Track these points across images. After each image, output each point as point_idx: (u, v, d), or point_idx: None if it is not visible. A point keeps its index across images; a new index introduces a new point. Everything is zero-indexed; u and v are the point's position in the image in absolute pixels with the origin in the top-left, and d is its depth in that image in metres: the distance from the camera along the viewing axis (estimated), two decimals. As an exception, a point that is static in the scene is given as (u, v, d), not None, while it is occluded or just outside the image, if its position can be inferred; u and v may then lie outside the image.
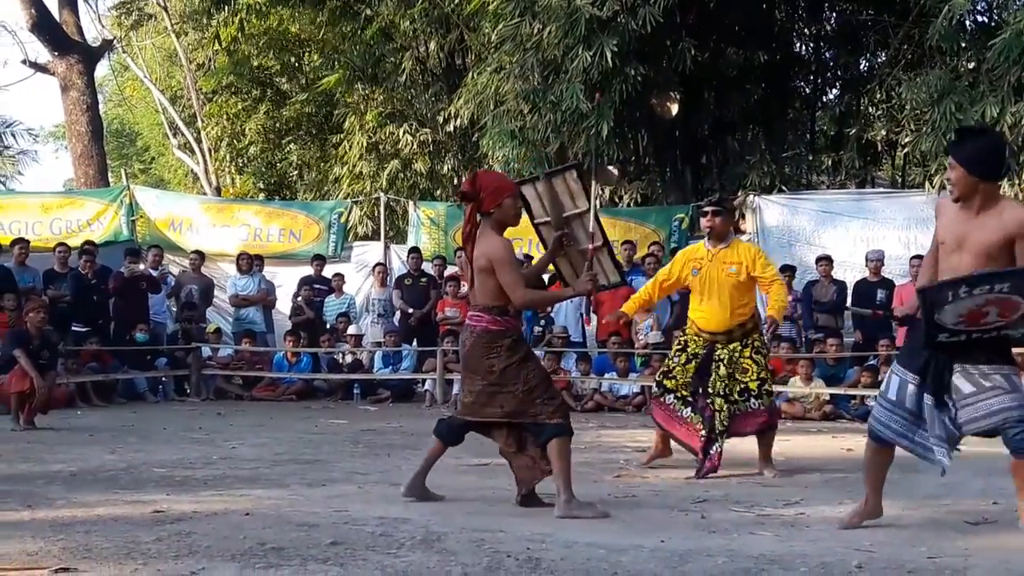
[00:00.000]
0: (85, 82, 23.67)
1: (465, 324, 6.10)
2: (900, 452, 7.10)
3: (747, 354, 7.45)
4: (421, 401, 14.57)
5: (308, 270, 16.34)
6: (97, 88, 27.61)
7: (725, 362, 7.41)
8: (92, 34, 27.82)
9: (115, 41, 27.78)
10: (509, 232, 5.99)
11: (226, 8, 21.71)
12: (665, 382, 7.66)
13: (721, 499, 6.24)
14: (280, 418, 12.18)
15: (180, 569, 4.30)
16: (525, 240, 16.49)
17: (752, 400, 7.42)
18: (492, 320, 5.85)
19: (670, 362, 7.72)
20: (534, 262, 7.54)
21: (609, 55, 14.28)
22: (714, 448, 7.40)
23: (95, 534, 4.99)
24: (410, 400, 14.80)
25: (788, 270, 14.48)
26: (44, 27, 23.17)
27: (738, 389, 7.41)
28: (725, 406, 7.37)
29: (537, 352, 14.01)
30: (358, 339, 15.48)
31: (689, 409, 7.54)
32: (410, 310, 15.37)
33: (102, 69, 32.09)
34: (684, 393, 7.55)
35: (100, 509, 5.75)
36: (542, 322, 14.73)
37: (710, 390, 7.43)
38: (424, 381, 14.71)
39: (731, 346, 7.45)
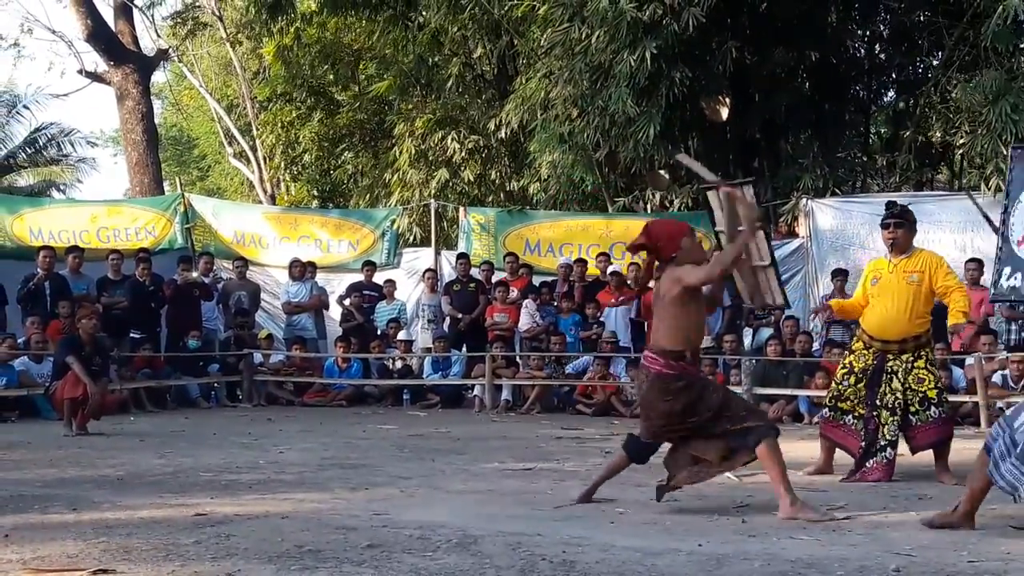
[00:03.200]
0: (140, 91, 24.01)
1: (642, 363, 6.04)
2: (954, 457, 6.98)
3: (921, 365, 7.34)
4: (470, 407, 14.58)
5: (360, 276, 16.42)
6: (155, 95, 27.97)
7: (899, 375, 7.32)
8: (148, 44, 28.26)
9: (170, 51, 28.14)
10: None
11: (282, 17, 21.90)
12: (840, 405, 7.59)
13: (764, 504, 6.16)
14: (329, 423, 12.24)
15: (217, 571, 4.33)
16: (575, 245, 16.54)
17: (933, 409, 7.31)
18: (667, 364, 5.81)
19: (839, 387, 7.62)
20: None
21: (649, 57, 14.23)
22: (871, 462, 7.33)
23: (136, 536, 5.05)
24: (459, 406, 14.79)
25: (841, 274, 14.35)
26: (100, 37, 23.56)
27: (917, 399, 7.30)
28: (892, 419, 7.28)
29: (586, 357, 14.11)
30: (408, 345, 15.54)
31: (861, 423, 7.47)
32: (459, 315, 15.39)
33: (158, 78, 32.57)
34: (861, 411, 7.47)
35: (143, 512, 5.80)
36: (593, 326, 14.67)
37: (878, 402, 7.35)
38: (473, 387, 14.71)
39: (903, 357, 7.34)
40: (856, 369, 7.48)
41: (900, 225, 7.47)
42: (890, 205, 7.78)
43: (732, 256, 6.06)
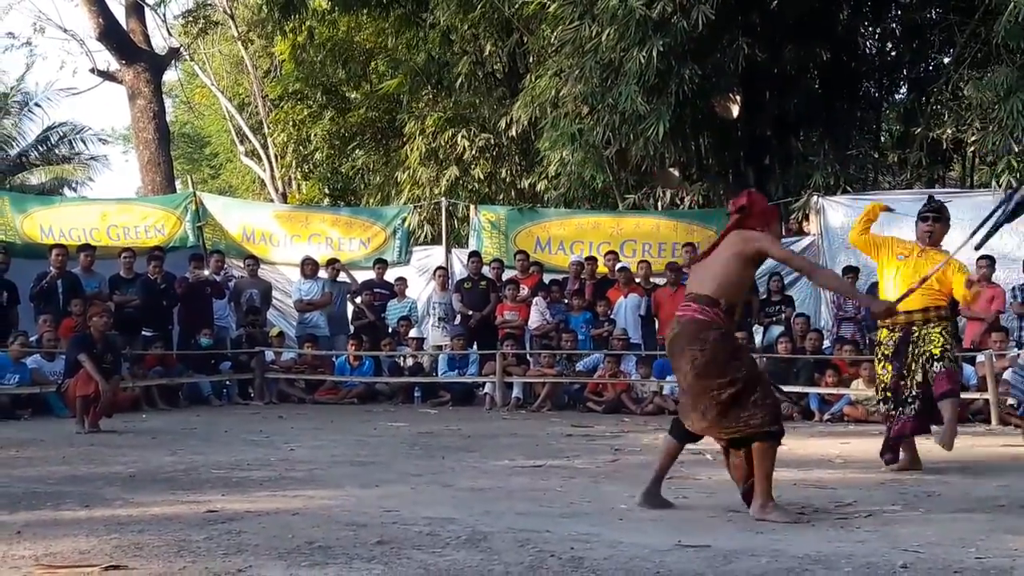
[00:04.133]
0: (152, 90, 24.09)
1: (677, 316, 5.87)
2: (964, 454, 7.02)
3: (937, 331, 7.61)
4: (481, 404, 14.60)
5: (371, 275, 16.45)
6: (166, 93, 28.04)
7: (919, 341, 7.60)
8: (159, 42, 28.35)
9: (181, 49, 28.22)
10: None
11: (294, 16, 21.95)
12: (889, 396, 7.77)
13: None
14: (340, 421, 12.28)
15: (228, 567, 4.35)
16: (586, 243, 16.55)
17: (935, 364, 7.55)
18: (699, 309, 5.65)
19: (883, 379, 7.82)
20: None
21: (658, 55, 14.24)
22: (898, 414, 7.65)
23: (148, 533, 5.07)
24: (471, 403, 14.82)
25: (851, 271, 14.33)
26: (112, 36, 23.64)
27: (923, 358, 7.58)
28: (915, 376, 7.60)
29: (596, 355, 14.12)
30: (419, 342, 15.58)
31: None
32: (470, 313, 15.41)
33: (170, 76, 32.66)
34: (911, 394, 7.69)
35: (155, 509, 5.84)
36: (604, 324, 14.69)
37: (905, 372, 7.64)
38: (484, 384, 14.74)
39: (926, 328, 7.61)
40: (886, 354, 7.75)
41: (938, 219, 7.91)
42: (930, 200, 8.27)
43: (830, 281, 6.49)
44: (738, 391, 5.49)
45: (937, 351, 7.54)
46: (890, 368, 7.72)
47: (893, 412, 7.75)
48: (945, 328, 7.71)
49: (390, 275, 16.53)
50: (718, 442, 5.82)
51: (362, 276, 16.65)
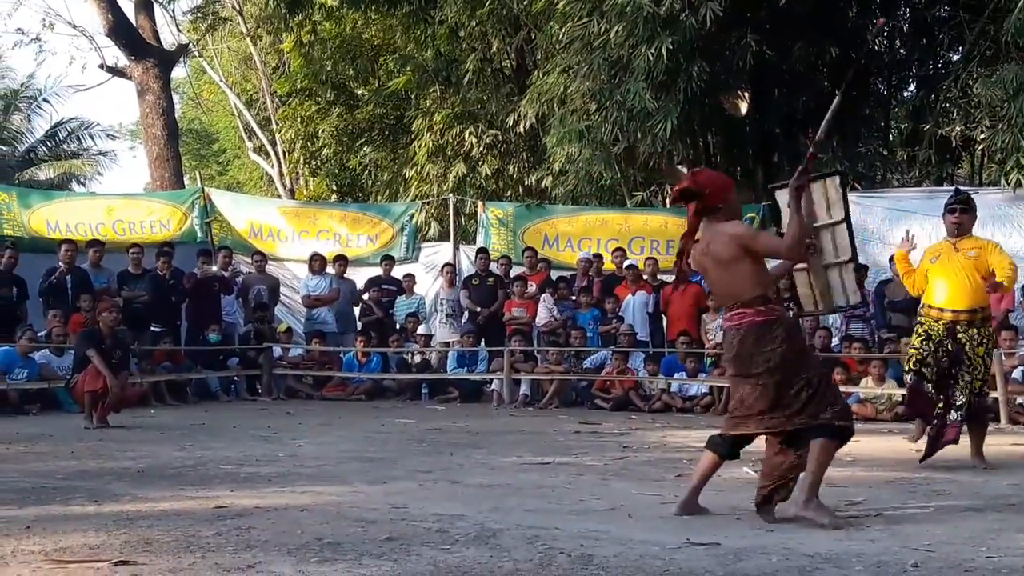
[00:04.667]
0: (161, 86, 24.08)
1: (726, 329, 5.59)
2: (966, 454, 6.99)
3: (980, 352, 7.71)
4: (488, 401, 14.59)
5: (379, 271, 16.45)
6: (174, 90, 28.06)
7: (967, 350, 7.66)
8: (168, 38, 28.36)
9: (190, 45, 28.23)
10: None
11: (300, 13, 21.95)
12: (923, 370, 7.82)
13: (782, 498, 6.14)
14: (348, 417, 12.29)
15: (237, 562, 4.35)
16: (594, 240, 16.53)
17: (979, 389, 7.76)
18: (757, 312, 5.37)
19: (919, 350, 7.83)
20: None
21: (665, 52, 14.22)
22: (948, 418, 7.70)
23: (157, 528, 5.08)
24: (478, 400, 14.81)
25: (860, 269, 14.29)
26: (121, 32, 23.63)
27: (972, 371, 7.70)
28: (965, 384, 7.68)
29: (604, 351, 14.11)
30: (427, 339, 15.58)
31: (936, 391, 7.81)
32: (478, 309, 15.39)
33: (178, 72, 32.68)
34: (935, 379, 7.78)
35: (164, 504, 5.84)
36: (612, 321, 14.66)
37: (952, 370, 7.72)
38: (491, 381, 14.73)
39: (971, 332, 7.69)
40: (931, 334, 7.78)
41: (965, 211, 7.98)
42: (956, 191, 8.48)
43: (798, 232, 5.41)
44: (817, 384, 5.31)
45: (978, 385, 7.70)
46: (928, 348, 7.74)
47: (920, 391, 7.83)
48: (988, 349, 7.81)
49: (398, 272, 16.52)
50: (773, 435, 5.50)
51: (369, 272, 16.64)
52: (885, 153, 18.51)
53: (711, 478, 5.68)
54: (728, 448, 5.60)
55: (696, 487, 5.64)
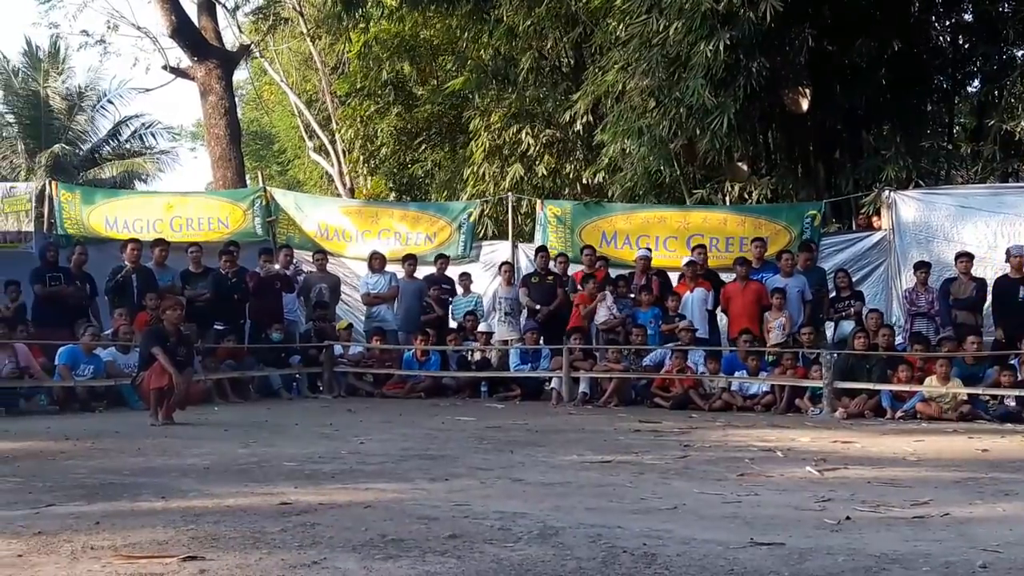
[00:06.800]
0: (223, 87, 24.30)
1: None
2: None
3: None
4: (547, 399, 14.58)
5: (434, 270, 16.48)
6: (235, 91, 28.34)
7: None
8: (230, 39, 28.65)
9: (252, 46, 28.49)
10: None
11: (356, 12, 22.08)
12: None
13: (848, 498, 6.11)
14: (408, 415, 12.33)
15: (303, 559, 4.40)
16: (652, 237, 16.48)
17: None
18: None
19: None
20: None
21: (722, 48, 14.14)
22: None
23: (224, 524, 5.14)
24: (538, 398, 14.80)
25: (923, 267, 14.16)
26: (184, 33, 23.88)
27: None
28: None
29: (662, 349, 14.05)
30: (487, 337, 15.61)
31: None
32: (537, 307, 15.39)
33: (240, 73, 33.00)
34: None
35: (230, 500, 5.91)
36: (675, 319, 14.56)
37: None
38: (551, 379, 14.71)
39: None
40: None
41: None
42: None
43: None
44: None
45: None
46: None
47: None
48: None
49: (457, 270, 16.55)
50: None
51: (427, 270, 16.67)
52: (949, 148, 18.27)
53: None
54: None
55: None
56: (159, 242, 15.18)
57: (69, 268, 14.36)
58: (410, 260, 16.31)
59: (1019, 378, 12.19)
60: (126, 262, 14.33)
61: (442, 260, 16.50)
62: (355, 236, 17.82)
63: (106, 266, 14.65)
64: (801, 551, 4.51)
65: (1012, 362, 12.53)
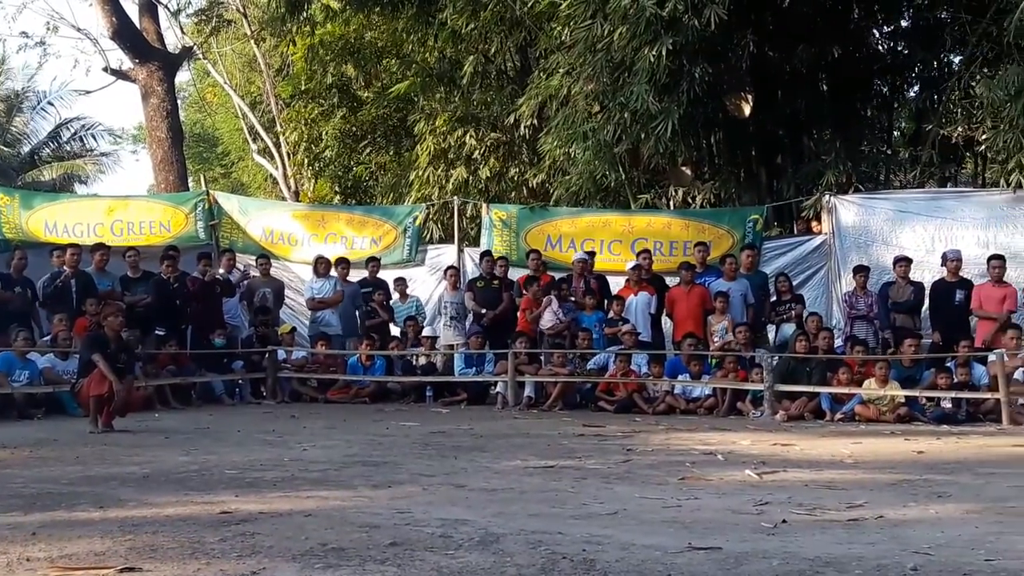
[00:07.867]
0: (165, 89, 24.11)
1: None
2: (975, 454, 7.02)
3: None
4: (493, 404, 14.60)
5: (380, 274, 16.41)
6: (177, 93, 28.11)
7: None
8: (172, 41, 28.41)
9: (195, 48, 28.27)
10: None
11: (301, 15, 21.97)
12: None
13: (785, 502, 6.19)
14: (353, 420, 12.30)
15: (241, 569, 4.39)
16: (597, 241, 16.56)
17: None
18: None
19: None
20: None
21: (666, 53, 14.25)
22: None
23: (162, 534, 5.11)
24: (483, 403, 14.81)
25: (862, 270, 14.36)
26: (125, 35, 23.66)
27: None
28: None
29: (605, 353, 14.11)
30: (433, 341, 15.59)
31: None
32: (483, 311, 15.40)
33: (183, 75, 32.71)
34: None
35: (169, 509, 5.87)
36: (618, 323, 14.62)
37: None
38: (496, 384, 14.72)
39: None
40: None
41: None
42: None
43: None
44: None
45: None
46: None
47: None
48: None
49: (404, 274, 16.54)
50: None
51: (362, 273, 16.57)
52: (888, 153, 18.52)
53: None
54: None
55: None
56: (99, 246, 14.97)
57: (9, 273, 14.16)
58: (343, 264, 16.24)
59: (955, 380, 12.38)
60: (60, 267, 14.12)
61: (373, 263, 16.40)
62: (302, 240, 17.73)
63: (46, 271, 14.43)
64: (737, 555, 4.57)
65: (948, 365, 12.72)
